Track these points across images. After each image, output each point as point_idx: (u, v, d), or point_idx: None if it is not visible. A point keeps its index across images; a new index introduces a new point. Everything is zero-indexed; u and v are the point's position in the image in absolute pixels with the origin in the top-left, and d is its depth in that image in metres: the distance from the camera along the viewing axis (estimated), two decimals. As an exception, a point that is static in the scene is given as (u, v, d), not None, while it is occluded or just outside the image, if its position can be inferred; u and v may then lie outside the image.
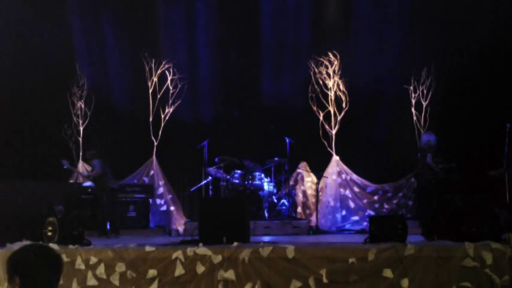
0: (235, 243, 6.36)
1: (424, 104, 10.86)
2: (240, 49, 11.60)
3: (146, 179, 10.98)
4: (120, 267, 6.25)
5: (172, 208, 11.02)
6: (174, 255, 6.24)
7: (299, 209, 11.04)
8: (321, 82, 11.18)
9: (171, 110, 11.19)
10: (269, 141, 11.28)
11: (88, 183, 10.27)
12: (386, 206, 10.88)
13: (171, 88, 11.19)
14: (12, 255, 2.49)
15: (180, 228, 10.51)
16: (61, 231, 6.66)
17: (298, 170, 11.19)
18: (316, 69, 11.22)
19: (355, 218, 10.52)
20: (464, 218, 6.64)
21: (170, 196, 11.06)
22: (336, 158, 10.92)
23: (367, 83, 10.94)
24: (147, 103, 11.14)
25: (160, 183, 11.01)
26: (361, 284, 6.10)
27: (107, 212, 9.39)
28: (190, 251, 6.26)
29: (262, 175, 10.58)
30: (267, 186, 10.53)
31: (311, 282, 6.08)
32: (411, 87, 10.90)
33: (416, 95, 10.90)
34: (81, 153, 11.07)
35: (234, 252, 6.23)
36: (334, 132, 11.09)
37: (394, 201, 10.87)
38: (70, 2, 11.38)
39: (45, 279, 2.41)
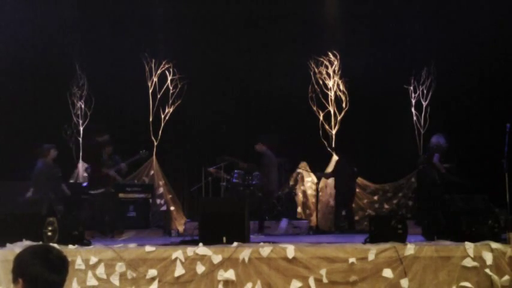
0: (235, 243, 6.37)
1: (424, 104, 10.87)
2: (240, 49, 11.61)
3: (146, 179, 10.97)
4: (120, 267, 6.25)
5: (172, 208, 11.02)
6: (174, 255, 6.24)
7: (299, 209, 11.04)
8: (321, 82, 11.19)
9: (171, 110, 11.19)
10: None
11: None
12: (386, 206, 10.89)
13: (171, 88, 11.19)
14: (17, 256, 2.49)
15: (180, 228, 10.51)
16: (61, 231, 6.66)
17: (298, 170, 11.19)
18: (316, 69, 11.23)
19: (355, 218, 10.51)
20: (464, 218, 6.64)
21: (170, 196, 11.06)
22: (336, 157, 10.92)
23: (367, 83, 10.95)
24: (147, 103, 11.14)
25: (160, 183, 11.01)
26: (361, 284, 6.10)
27: (115, 211, 9.31)
28: (190, 251, 6.26)
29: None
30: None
31: (311, 282, 6.09)
32: (411, 87, 10.90)
33: (416, 95, 10.91)
34: (81, 154, 11.07)
35: (234, 252, 6.23)
36: (334, 132, 11.09)
37: (394, 201, 10.88)
38: (70, 2, 11.39)
39: (48, 280, 2.41)
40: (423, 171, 9.74)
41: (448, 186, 9.05)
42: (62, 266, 2.47)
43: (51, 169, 9.26)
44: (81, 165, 10.96)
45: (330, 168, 10.93)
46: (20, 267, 2.43)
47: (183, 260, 6.22)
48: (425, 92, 10.85)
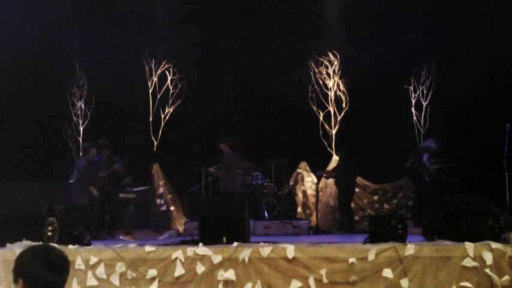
0: (235, 243, 6.37)
1: (424, 104, 10.87)
2: (240, 49, 11.61)
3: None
4: (120, 267, 6.25)
5: (172, 208, 11.01)
6: (174, 255, 6.24)
7: (299, 209, 11.04)
8: (321, 82, 11.19)
9: (171, 110, 11.19)
10: (268, 141, 11.30)
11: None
12: (386, 206, 10.89)
13: (171, 88, 11.19)
14: (18, 256, 2.49)
15: (180, 228, 10.51)
16: (61, 231, 6.66)
17: (298, 170, 11.19)
18: (316, 69, 11.23)
19: (355, 218, 10.51)
20: (464, 218, 6.65)
21: (170, 196, 11.05)
22: (335, 157, 10.91)
23: (367, 83, 10.95)
24: (147, 103, 11.14)
25: (160, 183, 11.00)
26: (361, 284, 6.11)
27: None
28: (190, 251, 6.27)
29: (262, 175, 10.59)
30: (267, 186, 10.53)
31: (311, 282, 6.09)
32: (411, 87, 10.90)
33: (416, 95, 10.91)
34: (81, 154, 11.06)
35: (234, 252, 6.24)
36: (334, 132, 11.09)
37: (394, 201, 10.88)
38: (70, 3, 11.39)
39: (48, 281, 2.40)
40: (413, 171, 9.85)
41: (440, 186, 9.08)
42: (62, 266, 2.46)
43: (93, 167, 9.27)
44: (81, 165, 10.94)
45: (330, 169, 10.92)
46: (21, 268, 2.43)
47: (183, 260, 6.22)
48: (425, 92, 10.85)
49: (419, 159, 9.69)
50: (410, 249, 6.14)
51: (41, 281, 2.39)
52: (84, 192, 8.79)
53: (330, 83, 11.18)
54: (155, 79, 11.21)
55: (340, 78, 11.17)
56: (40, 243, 5.86)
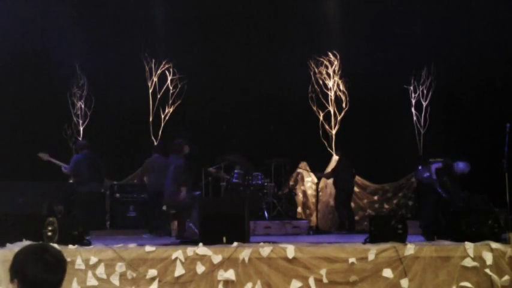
0: (235, 243, 6.37)
1: (424, 104, 10.87)
2: (240, 49, 11.61)
3: (146, 179, 10.93)
4: (120, 267, 6.25)
5: (172, 208, 10.98)
6: (174, 255, 6.24)
7: (299, 209, 11.04)
8: (321, 82, 11.20)
9: (171, 110, 11.19)
10: (268, 141, 11.30)
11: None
12: (386, 206, 10.89)
13: (171, 88, 11.19)
14: (14, 255, 2.49)
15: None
16: (61, 231, 6.66)
17: (298, 170, 11.19)
18: (316, 69, 11.23)
19: (355, 218, 10.51)
20: (464, 218, 6.65)
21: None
22: (335, 157, 10.92)
23: (367, 83, 10.95)
24: (147, 103, 11.15)
25: (161, 183, 10.98)
26: (361, 284, 6.11)
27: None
28: (190, 251, 6.27)
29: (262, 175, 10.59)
30: (267, 186, 10.53)
31: (311, 282, 6.09)
32: (411, 87, 10.90)
33: (416, 95, 10.91)
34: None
35: (234, 252, 6.24)
36: (334, 132, 11.10)
37: (394, 201, 10.89)
38: (70, 2, 11.39)
39: (42, 280, 2.39)
40: (417, 171, 9.84)
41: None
42: (57, 265, 2.44)
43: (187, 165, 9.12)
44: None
45: (329, 168, 10.94)
46: (15, 267, 2.42)
47: (183, 260, 6.22)
48: (425, 92, 10.85)
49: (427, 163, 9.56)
50: (410, 249, 6.14)
51: (34, 281, 2.38)
52: (188, 191, 8.68)
53: (330, 83, 11.19)
54: (155, 79, 11.22)
55: (340, 78, 11.18)
56: (40, 243, 5.85)
